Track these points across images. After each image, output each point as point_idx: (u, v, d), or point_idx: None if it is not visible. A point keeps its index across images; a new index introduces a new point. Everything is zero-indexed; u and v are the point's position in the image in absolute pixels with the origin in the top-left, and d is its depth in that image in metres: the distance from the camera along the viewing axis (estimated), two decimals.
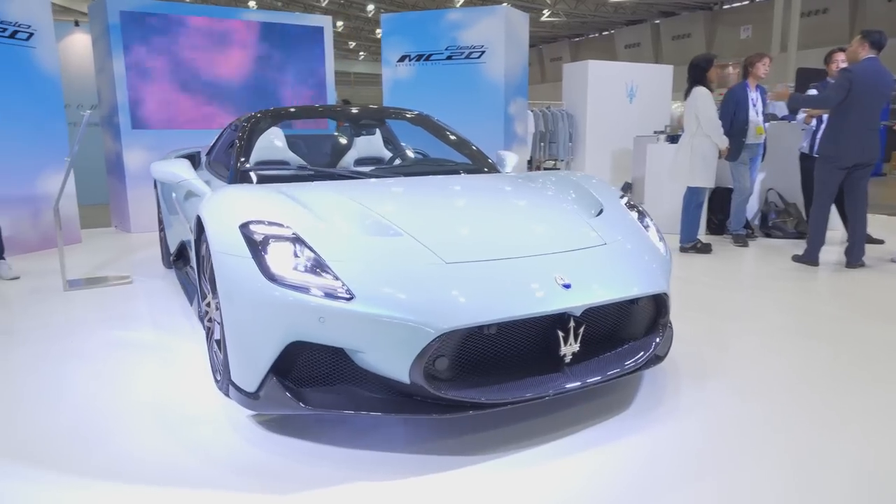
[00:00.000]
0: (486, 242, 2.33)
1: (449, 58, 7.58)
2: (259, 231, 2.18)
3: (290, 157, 3.45)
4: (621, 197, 3.01)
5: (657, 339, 2.44)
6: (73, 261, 5.44)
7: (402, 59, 7.75)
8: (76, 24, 9.49)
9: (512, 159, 4.09)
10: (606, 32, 32.77)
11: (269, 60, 7.51)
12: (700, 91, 5.35)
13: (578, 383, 2.15)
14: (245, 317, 2.10)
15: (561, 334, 2.12)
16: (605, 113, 9.81)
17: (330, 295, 1.99)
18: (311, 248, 2.13)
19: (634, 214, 2.90)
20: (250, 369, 2.12)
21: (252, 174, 3.11)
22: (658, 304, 2.46)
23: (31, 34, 5.86)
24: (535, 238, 2.44)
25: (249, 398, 2.14)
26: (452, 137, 4.07)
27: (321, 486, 1.93)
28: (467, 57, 7.49)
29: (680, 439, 2.23)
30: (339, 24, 28.56)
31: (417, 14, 7.70)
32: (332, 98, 7.90)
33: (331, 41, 7.80)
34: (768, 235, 6.47)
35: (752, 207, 6.61)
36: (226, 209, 2.35)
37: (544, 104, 10.60)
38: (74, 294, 4.33)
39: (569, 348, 2.15)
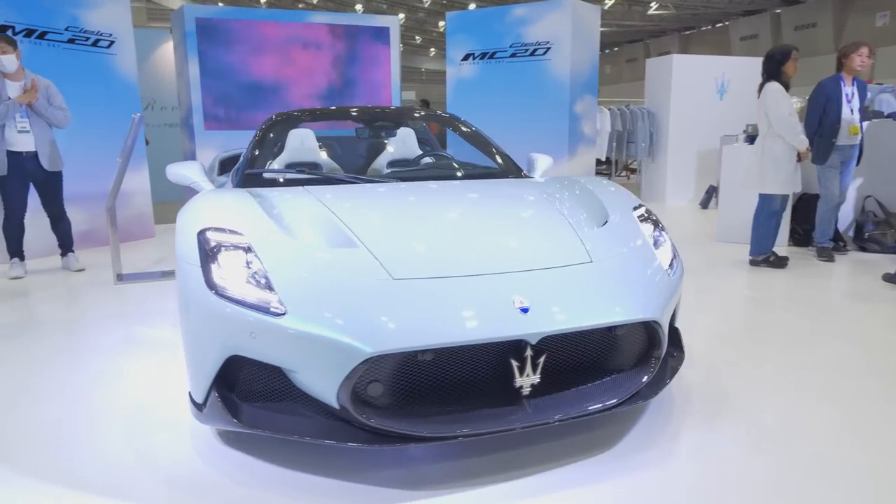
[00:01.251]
0: (448, 257, 2.14)
1: (513, 55, 7.33)
2: (214, 238, 2.12)
3: (301, 158, 3.41)
4: (636, 208, 2.69)
5: (646, 376, 2.13)
6: (140, 255, 5.78)
7: (466, 58, 7.59)
8: (171, 31, 10.17)
9: (543, 162, 3.83)
10: (720, 24, 30.60)
11: (335, 62, 7.61)
12: (772, 87, 4.77)
13: (537, 420, 1.91)
14: (193, 327, 2.06)
15: (516, 364, 1.90)
16: (690, 110, 9.12)
17: (263, 309, 1.89)
18: (259, 259, 2.04)
19: (649, 227, 2.59)
20: (198, 381, 2.06)
21: (252, 178, 3.09)
22: (650, 334, 2.16)
23: (112, 42, 6.28)
24: (506, 253, 2.21)
25: (198, 410, 2.09)
26: (478, 141, 3.86)
27: None
28: (532, 54, 7.21)
29: (661, 492, 1.93)
30: (401, 16, 28.13)
31: (482, 11, 7.50)
32: (397, 98, 7.89)
33: (397, 41, 7.79)
34: (863, 249, 5.70)
35: (847, 217, 5.86)
36: (192, 215, 2.31)
37: (623, 102, 10.04)
38: (123, 288, 4.57)
39: (526, 379, 1.92)
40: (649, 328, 2.14)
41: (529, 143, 7.26)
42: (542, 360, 1.92)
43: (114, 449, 2.21)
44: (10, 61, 4.63)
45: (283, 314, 1.87)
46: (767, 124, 4.82)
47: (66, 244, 5.22)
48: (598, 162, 10.54)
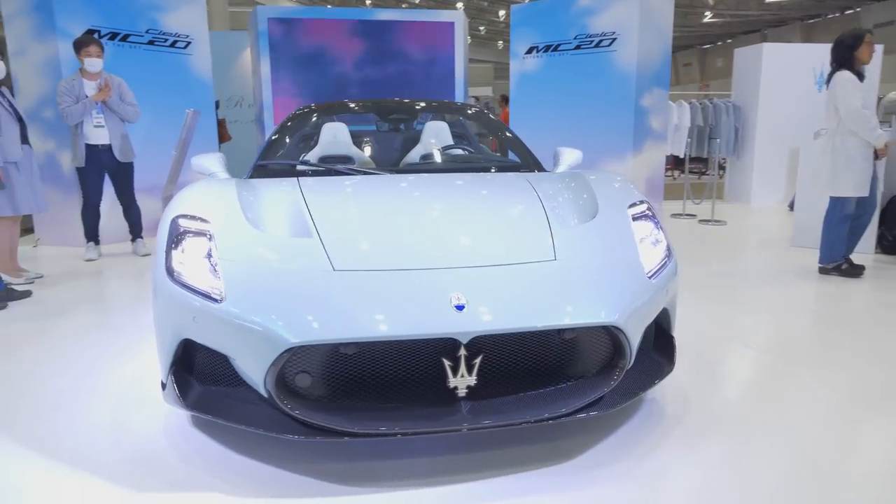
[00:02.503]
0: (400, 250, 2.10)
1: (577, 47, 7.07)
2: (183, 225, 2.20)
3: (326, 151, 3.47)
4: (633, 205, 2.50)
5: (606, 386, 1.98)
6: None
7: (529, 51, 7.42)
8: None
9: (570, 156, 3.67)
10: (850, 11, 27.67)
11: (400, 58, 7.70)
12: (842, 76, 4.25)
13: (471, 424, 1.82)
14: (155, 309, 2.15)
15: (448, 364, 1.82)
16: (783, 104, 8.38)
17: (205, 295, 1.94)
18: (216, 247, 2.10)
19: (645, 226, 2.41)
20: (161, 362, 2.15)
21: (262, 169, 3.18)
22: (615, 341, 2.00)
23: (189, 43, 6.71)
24: (461, 248, 2.13)
25: (162, 389, 2.18)
26: (500, 134, 3.76)
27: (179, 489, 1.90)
28: (597, 45, 6.92)
29: None
30: (459, 4, 27.00)
31: (548, 2, 7.28)
32: (462, 95, 7.85)
33: (462, 37, 7.75)
34: None
35: None
36: (175, 202, 2.42)
37: (707, 95, 9.39)
38: None
39: (461, 380, 1.84)
40: (613, 335, 1.98)
41: (592, 139, 7.01)
42: (477, 361, 1.84)
43: (93, 420, 2.36)
44: (97, 64, 5.07)
45: (221, 301, 1.91)
46: (837, 119, 4.32)
47: (135, 230, 5.65)
48: (677, 160, 9.97)
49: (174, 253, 2.11)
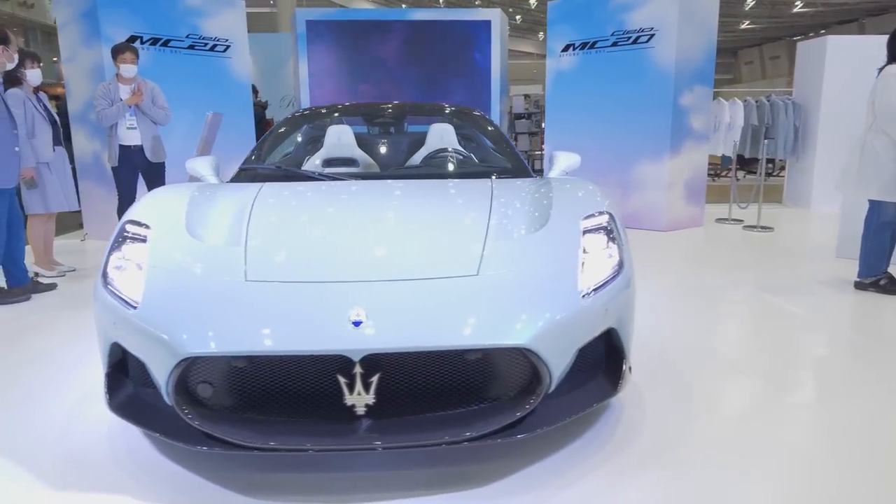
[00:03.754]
0: (318, 261, 2.08)
1: (614, 44, 6.79)
2: (128, 230, 2.27)
3: (315, 154, 3.50)
4: (590, 216, 2.37)
5: (519, 411, 1.88)
6: None
7: (566, 49, 7.20)
8: None
9: (563, 161, 3.54)
10: None
11: (435, 58, 7.68)
12: (890, 70, 3.87)
13: (364, 444, 1.78)
14: (93, 310, 2.22)
15: (344, 381, 1.78)
16: (848, 101, 7.72)
17: (125, 301, 1.99)
18: (148, 254, 2.14)
19: (597, 239, 2.27)
20: (102, 363, 2.23)
21: (245, 173, 3.23)
22: (533, 364, 1.89)
23: (228, 46, 6.95)
24: (377, 260, 2.09)
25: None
26: (493, 138, 3.66)
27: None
28: (634, 42, 6.62)
29: None
30: None
31: None
32: (498, 94, 7.74)
33: (499, 35, 7.63)
34: None
35: None
36: (133, 207, 2.49)
37: (764, 92, 8.79)
38: None
39: (358, 398, 1.80)
40: (528, 357, 1.88)
41: (628, 140, 6.73)
42: (375, 379, 1.79)
43: (55, 412, 2.48)
44: (131, 70, 5.34)
45: (136, 308, 1.95)
46: (873, 116, 3.94)
47: None
48: (742, 160, 9.42)
49: (112, 257, 2.18)
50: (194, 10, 6.63)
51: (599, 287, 2.10)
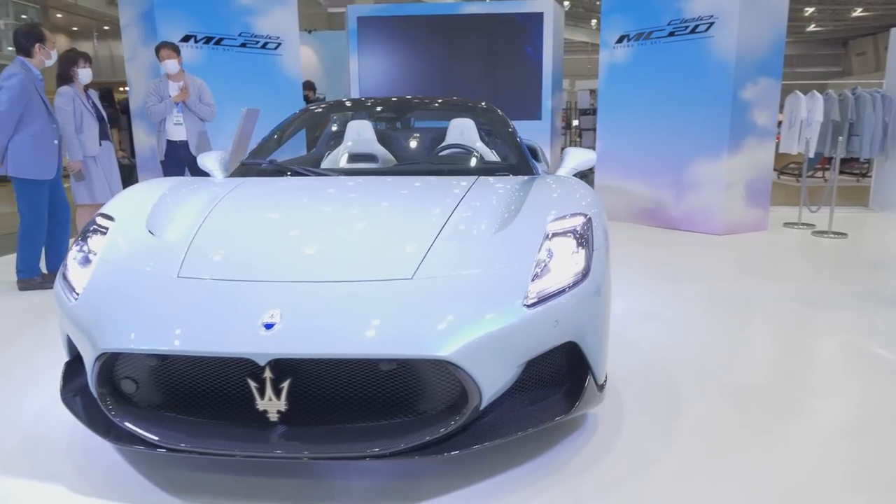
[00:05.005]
0: (250, 259, 2.03)
1: (671, 34, 6.37)
2: (97, 222, 2.32)
3: (329, 149, 3.49)
4: (561, 218, 2.19)
5: (443, 428, 1.75)
6: None
7: (620, 40, 6.83)
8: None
9: (573, 159, 3.31)
10: None
11: (486, 52, 7.52)
12: None
13: (278, 451, 1.71)
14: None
15: (254, 386, 1.72)
16: None
17: (69, 292, 2.02)
18: (103, 247, 2.17)
19: (564, 244, 2.09)
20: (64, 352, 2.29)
21: (243, 169, 3.25)
22: (463, 380, 1.75)
23: (279, 44, 7.11)
24: (307, 260, 2.02)
25: None
26: (500, 135, 3.50)
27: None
28: (692, 31, 6.18)
29: None
30: None
31: None
32: (550, 88, 7.48)
33: (552, 27, 7.36)
34: None
35: None
36: (111, 199, 2.54)
37: (849, 84, 7.97)
38: None
39: (270, 404, 1.73)
40: (454, 371, 1.74)
41: (682, 137, 6.32)
42: (286, 385, 1.71)
43: (42, 396, 2.57)
44: (172, 65, 5.57)
45: (75, 300, 1.97)
46: None
47: None
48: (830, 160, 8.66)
49: (75, 248, 2.22)
50: (247, 8, 6.82)
51: (550, 296, 1.92)
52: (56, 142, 4.46)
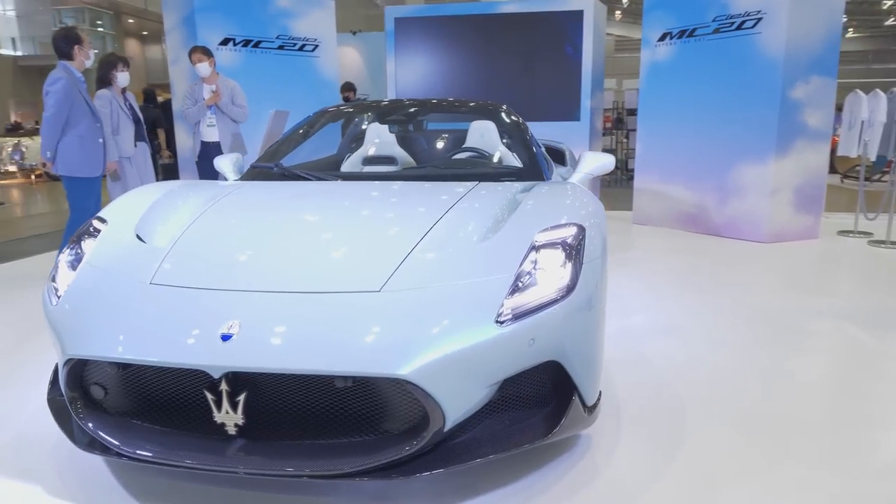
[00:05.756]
0: (222, 268, 1.99)
1: (716, 31, 6.05)
2: (92, 225, 2.35)
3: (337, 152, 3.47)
4: (551, 228, 2.07)
5: (402, 450, 1.67)
6: None
7: (662, 38, 6.55)
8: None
9: (591, 163, 3.18)
10: None
11: (524, 52, 7.37)
12: None
13: (228, 466, 1.67)
14: None
15: (211, 398, 1.68)
16: None
17: (54, 294, 2.04)
18: (91, 250, 2.19)
19: (552, 256, 1.98)
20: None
21: (253, 172, 3.25)
22: (423, 401, 1.66)
23: (316, 46, 7.18)
24: (275, 270, 1.96)
25: None
26: (511, 138, 3.38)
27: None
28: (738, 27, 5.85)
29: None
30: None
31: None
32: (589, 88, 7.26)
33: (593, 25, 7.14)
34: None
35: None
36: (111, 203, 2.58)
37: None
38: None
39: (227, 417, 1.69)
40: (414, 391, 1.65)
41: (726, 139, 6.03)
42: (241, 398, 1.67)
43: (33, 396, 2.63)
44: (204, 68, 5.68)
45: (55, 303, 1.99)
46: None
47: None
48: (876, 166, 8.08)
49: (67, 251, 2.24)
50: (284, 11, 6.91)
51: (528, 312, 1.81)
52: (100, 140, 4.65)
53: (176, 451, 1.72)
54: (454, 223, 2.17)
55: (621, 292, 4.21)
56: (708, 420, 2.40)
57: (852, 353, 3.16)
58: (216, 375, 1.64)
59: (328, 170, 3.73)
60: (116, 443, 1.75)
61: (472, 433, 1.83)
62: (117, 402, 1.87)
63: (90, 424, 1.81)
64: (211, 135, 5.82)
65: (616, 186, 11.08)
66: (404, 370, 1.62)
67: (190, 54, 5.65)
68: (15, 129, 17.64)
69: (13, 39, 28.82)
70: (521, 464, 2.05)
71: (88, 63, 4.69)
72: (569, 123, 7.34)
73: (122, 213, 2.40)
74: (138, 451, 1.72)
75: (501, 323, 1.77)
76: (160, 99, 8.31)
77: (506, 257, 1.96)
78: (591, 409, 2.03)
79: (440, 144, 4.07)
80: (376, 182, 2.90)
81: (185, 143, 6.95)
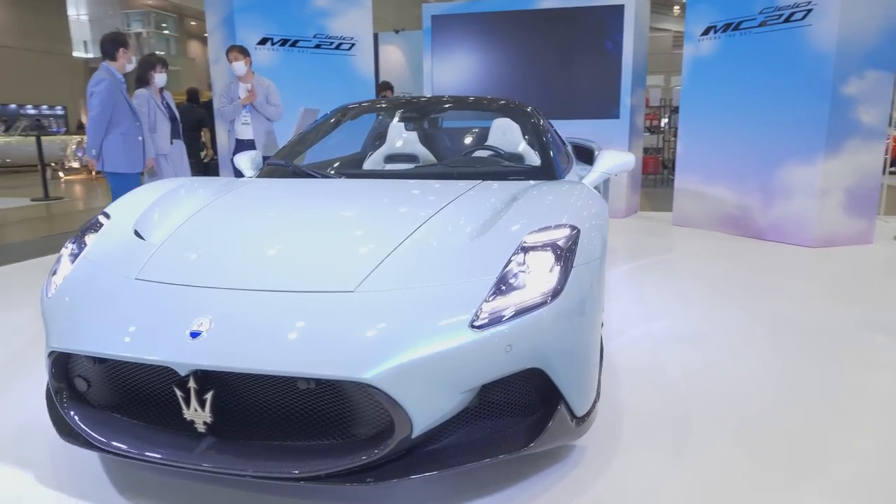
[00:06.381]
0: (206, 265, 1.99)
1: (763, 24, 5.75)
2: (98, 220, 2.41)
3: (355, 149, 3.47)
4: (544, 230, 1.99)
5: (366, 456, 1.63)
6: None
7: (706, 32, 6.28)
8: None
9: (608, 161, 3.09)
10: None
11: (560, 48, 7.21)
12: None
13: (195, 464, 1.66)
14: None
15: (180, 394, 1.68)
16: None
17: (51, 286, 2.09)
18: (91, 245, 2.24)
19: (541, 259, 1.90)
20: None
21: (270, 169, 3.27)
22: (388, 406, 1.62)
23: (353, 44, 7.22)
24: (254, 268, 1.95)
25: None
26: (530, 136, 3.29)
27: None
28: (786, 20, 5.54)
29: None
30: None
31: None
32: (626, 87, 7.04)
33: (633, 20, 6.92)
34: None
35: None
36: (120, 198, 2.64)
37: None
38: None
39: (196, 415, 1.69)
40: (377, 395, 1.60)
41: (772, 138, 5.75)
42: (209, 396, 1.66)
43: (42, 378, 2.71)
44: (240, 66, 5.80)
45: (49, 297, 2.04)
46: None
47: None
48: None
49: (70, 244, 2.30)
50: (322, 10, 6.99)
51: (507, 317, 1.73)
52: (140, 138, 4.84)
53: (149, 446, 1.73)
54: (443, 223, 2.11)
55: (645, 297, 4.05)
56: (714, 435, 2.26)
57: (884, 372, 2.93)
58: (182, 373, 1.64)
59: (350, 167, 3.74)
60: (93, 434, 1.77)
61: (449, 440, 1.78)
62: (99, 396, 1.90)
63: (73, 415, 1.84)
64: (246, 133, 5.94)
65: (662, 186, 10.73)
66: (368, 374, 1.57)
67: (227, 53, 5.77)
68: (84, 128, 18.57)
69: (85, 42, 30.42)
70: (509, 472, 1.99)
71: (130, 66, 4.87)
72: (607, 121, 7.14)
73: (125, 208, 2.44)
74: (113, 444, 1.74)
75: (477, 327, 1.70)
76: (203, 99, 8.54)
77: (490, 259, 1.89)
78: (581, 420, 1.94)
79: (462, 142, 4.02)
80: (378, 180, 2.88)
81: (225, 141, 7.11)
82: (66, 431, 1.86)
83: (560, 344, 1.83)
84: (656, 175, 11.32)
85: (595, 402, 2.05)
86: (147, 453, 1.70)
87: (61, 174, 14.33)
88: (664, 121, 11.24)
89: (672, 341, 3.22)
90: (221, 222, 2.29)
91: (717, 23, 6.17)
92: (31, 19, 23.45)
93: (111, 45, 4.79)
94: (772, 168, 5.80)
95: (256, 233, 2.19)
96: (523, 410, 1.88)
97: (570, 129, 5.79)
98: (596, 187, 3.31)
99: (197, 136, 8.23)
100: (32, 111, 22.94)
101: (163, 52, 29.19)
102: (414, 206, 2.31)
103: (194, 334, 1.68)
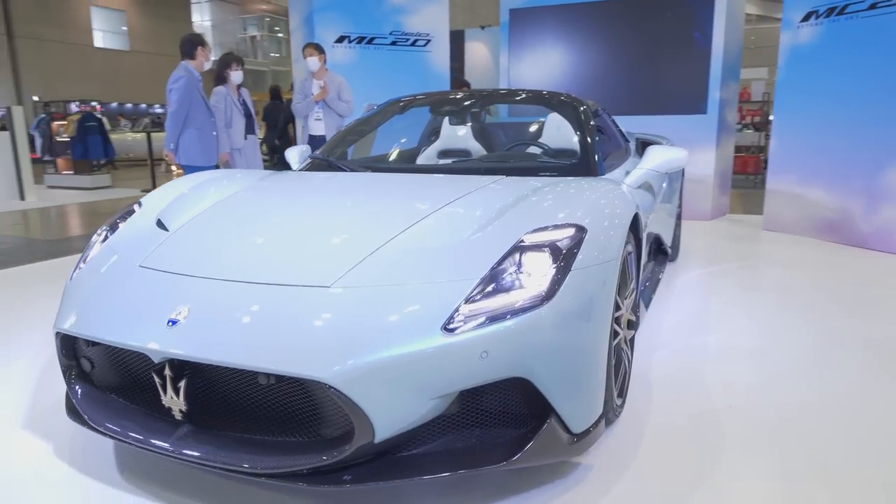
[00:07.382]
0: (199, 254, 2.03)
1: (872, 6, 5.10)
2: (131, 207, 2.54)
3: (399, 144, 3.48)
4: (543, 230, 1.86)
5: (328, 456, 1.58)
6: None
7: (806, 18, 5.69)
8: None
9: (656, 158, 2.89)
10: None
11: (646, 39, 6.83)
12: None
13: (170, 451, 1.69)
14: None
15: (158, 381, 1.72)
16: None
17: (76, 269, 2.21)
18: (119, 231, 2.35)
19: (538, 259, 1.79)
20: None
21: (313, 163, 3.31)
22: (347, 408, 1.56)
23: (429, 41, 7.24)
24: (245, 259, 1.95)
25: None
26: (578, 131, 3.12)
27: None
28: None
29: None
30: None
31: None
32: (715, 80, 6.55)
33: (724, 8, 6.41)
34: None
35: None
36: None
37: None
38: None
39: (172, 402, 1.71)
40: (335, 395, 1.55)
41: (880, 136, 5.09)
42: (182, 384, 1.68)
43: (27, 363, 2.87)
44: (314, 62, 5.95)
45: (72, 279, 2.16)
46: None
47: None
48: None
49: (103, 229, 2.42)
50: (398, 7, 7.05)
51: (482, 323, 1.62)
52: (214, 133, 5.11)
53: (133, 428, 1.78)
54: (444, 219, 2.03)
55: (707, 307, 3.73)
56: (743, 468, 2.01)
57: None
58: (156, 360, 1.68)
59: (400, 162, 3.72)
60: (88, 413, 1.85)
61: (427, 447, 1.70)
62: (100, 377, 1.98)
63: (77, 393, 1.94)
64: (318, 128, 6.10)
65: (763, 187, 9.90)
66: (326, 373, 1.53)
67: (302, 50, 5.96)
68: None
69: None
70: (505, 484, 1.88)
71: (207, 65, 5.13)
72: (693, 117, 6.68)
73: (156, 199, 2.55)
74: (106, 424, 1.81)
75: (450, 330, 1.60)
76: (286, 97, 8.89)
77: (480, 258, 1.79)
78: (579, 437, 1.79)
79: (514, 137, 3.90)
80: (404, 175, 2.83)
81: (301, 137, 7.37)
82: (72, 410, 1.96)
83: (551, 353, 1.69)
84: (757, 175, 10.47)
85: (601, 418, 1.89)
86: (130, 434, 1.76)
87: (174, 168, 15.53)
88: (770, 117, 10.36)
89: (722, 357, 2.93)
90: (229, 215, 2.33)
91: (818, 7, 5.57)
92: (165, 28, 25.61)
93: (190, 44, 5.07)
94: (880, 167, 5.16)
95: (253, 225, 2.20)
96: (512, 422, 1.76)
97: (648, 127, 5.47)
98: (648, 185, 3.08)
99: (283, 131, 8.60)
100: (160, 110, 25.01)
101: (276, 55, 30.91)
102: (420, 201, 2.24)
103: (172, 322, 1.71)
